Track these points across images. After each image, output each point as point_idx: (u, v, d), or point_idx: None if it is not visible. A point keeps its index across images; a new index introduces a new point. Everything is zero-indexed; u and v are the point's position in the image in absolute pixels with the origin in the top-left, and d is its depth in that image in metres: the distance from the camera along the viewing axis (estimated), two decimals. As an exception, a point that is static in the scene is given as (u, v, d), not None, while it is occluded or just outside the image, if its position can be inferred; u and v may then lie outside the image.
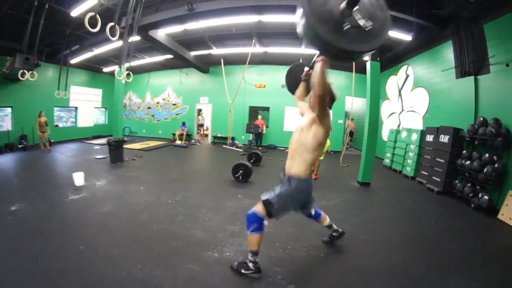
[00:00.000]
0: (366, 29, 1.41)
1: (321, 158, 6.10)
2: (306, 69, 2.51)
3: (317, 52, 1.81)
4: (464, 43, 5.17)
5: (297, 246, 2.82)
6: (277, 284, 2.20)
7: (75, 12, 6.03)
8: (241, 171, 5.44)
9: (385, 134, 8.90)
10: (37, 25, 5.77)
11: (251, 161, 6.98)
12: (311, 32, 1.45)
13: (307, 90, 2.47)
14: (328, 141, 6.21)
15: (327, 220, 2.79)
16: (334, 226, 2.85)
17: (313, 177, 6.05)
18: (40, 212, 3.49)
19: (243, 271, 2.25)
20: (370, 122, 5.54)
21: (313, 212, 2.64)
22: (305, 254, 2.71)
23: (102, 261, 2.41)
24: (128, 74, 5.72)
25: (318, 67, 1.79)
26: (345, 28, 1.40)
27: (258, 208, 2.14)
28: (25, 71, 5.95)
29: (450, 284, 2.31)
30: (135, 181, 5.24)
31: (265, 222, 2.17)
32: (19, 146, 8.56)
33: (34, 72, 6.29)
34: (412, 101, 7.52)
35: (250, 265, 2.23)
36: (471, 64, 5.06)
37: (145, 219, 3.44)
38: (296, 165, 2.14)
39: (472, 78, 5.02)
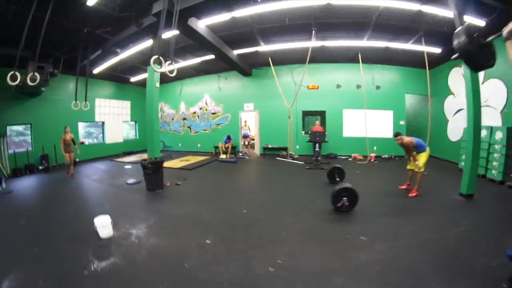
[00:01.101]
0: None
1: (422, 169, 4.63)
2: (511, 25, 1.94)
3: None
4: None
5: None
6: None
7: (91, 1, 4.66)
8: (345, 198, 3.89)
9: (453, 134, 7.93)
10: (48, 24, 4.54)
11: (336, 179, 5.44)
12: None
13: None
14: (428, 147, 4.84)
15: None
16: None
17: (413, 194, 4.68)
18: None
19: None
20: (474, 125, 4.93)
21: None
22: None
23: None
24: (170, 65, 4.09)
25: None
26: None
27: None
28: (36, 73, 4.49)
29: None
30: (191, 225, 3.40)
31: None
32: (40, 167, 7.28)
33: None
34: (484, 94, 6.01)
35: None
36: None
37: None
38: None
39: None
